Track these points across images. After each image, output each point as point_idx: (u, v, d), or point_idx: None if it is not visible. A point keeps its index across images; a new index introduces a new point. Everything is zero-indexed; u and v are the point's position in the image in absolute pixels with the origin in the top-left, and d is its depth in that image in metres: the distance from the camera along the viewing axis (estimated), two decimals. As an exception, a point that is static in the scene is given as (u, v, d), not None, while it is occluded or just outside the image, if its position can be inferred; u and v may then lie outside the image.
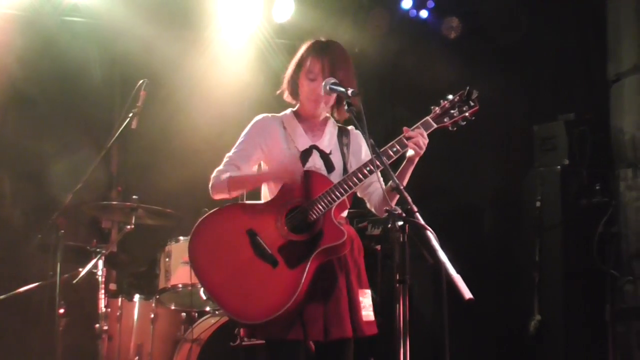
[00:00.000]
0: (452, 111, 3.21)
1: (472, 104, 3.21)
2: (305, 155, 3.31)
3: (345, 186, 3.15)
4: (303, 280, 3.04)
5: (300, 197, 3.19)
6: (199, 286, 4.93)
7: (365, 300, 3.26)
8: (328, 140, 3.38)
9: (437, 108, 3.23)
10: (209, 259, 3.18)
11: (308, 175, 3.23)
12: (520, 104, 6.47)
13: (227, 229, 3.21)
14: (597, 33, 5.70)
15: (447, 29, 6.73)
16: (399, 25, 6.78)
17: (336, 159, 3.34)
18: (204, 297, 4.91)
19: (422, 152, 3.18)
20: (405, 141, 3.16)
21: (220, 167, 3.33)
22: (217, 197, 3.33)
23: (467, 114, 3.21)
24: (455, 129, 3.24)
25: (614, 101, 5.50)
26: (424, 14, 6.75)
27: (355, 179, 3.15)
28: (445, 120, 3.21)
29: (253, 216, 3.22)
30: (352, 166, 3.34)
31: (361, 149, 3.44)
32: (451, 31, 6.71)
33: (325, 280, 3.17)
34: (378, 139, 3.00)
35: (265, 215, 3.21)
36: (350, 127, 3.47)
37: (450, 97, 3.23)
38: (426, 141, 3.18)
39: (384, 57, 6.67)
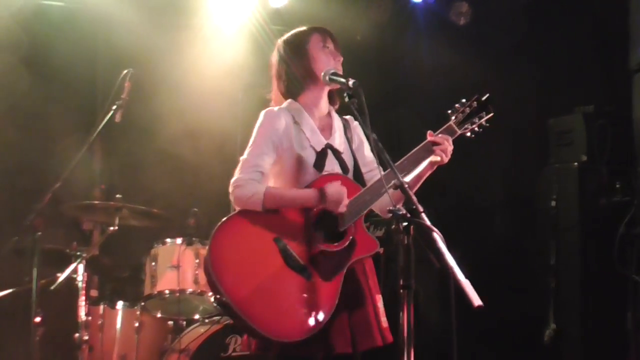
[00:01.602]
0: (471, 117, 3.29)
1: (489, 109, 3.30)
2: (322, 156, 3.28)
3: (375, 193, 3.16)
4: (339, 294, 3.05)
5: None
6: (188, 292, 4.93)
7: (380, 305, 3.27)
8: (339, 137, 3.38)
9: (458, 114, 3.28)
10: (233, 269, 3.07)
11: (335, 180, 3.20)
12: (534, 96, 6.45)
13: (253, 235, 3.13)
14: (618, 18, 5.67)
15: (456, 15, 6.72)
16: (403, 11, 6.77)
17: (347, 158, 3.35)
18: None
19: (447, 160, 3.23)
20: (432, 147, 3.20)
21: (242, 175, 3.21)
22: (241, 207, 3.19)
23: (483, 121, 3.31)
24: (473, 136, 3.32)
25: (636, 92, 5.47)
26: (431, -1, 6.75)
27: (384, 185, 3.09)
28: (467, 126, 3.29)
29: (279, 222, 3.16)
30: (359, 163, 3.36)
31: (363, 143, 3.46)
32: (460, 17, 6.70)
33: (350, 289, 3.16)
34: (381, 133, 2.99)
35: (291, 221, 3.17)
36: (349, 117, 3.48)
37: (464, 101, 3.30)
38: (452, 148, 3.24)
39: (387, 45, 6.66)
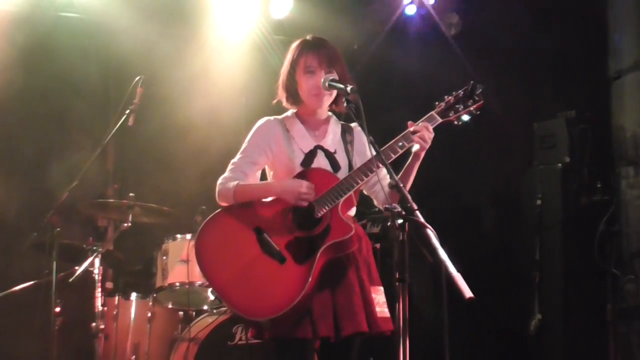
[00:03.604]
0: (456, 106, 3.27)
1: (476, 98, 3.27)
2: (310, 156, 3.30)
3: (352, 182, 3.16)
4: (311, 275, 3.05)
5: None
6: (197, 284, 4.95)
7: (379, 297, 3.25)
8: (332, 139, 3.37)
9: (441, 103, 3.27)
10: (216, 257, 3.20)
11: (314, 172, 3.25)
12: (520, 101, 6.45)
13: (235, 227, 3.23)
14: (597, 29, 5.70)
15: (447, 26, 6.72)
16: (398, 22, 6.78)
17: (341, 158, 3.34)
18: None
19: (427, 146, 3.20)
20: (411, 135, 3.18)
21: (227, 174, 3.32)
22: (222, 204, 3.31)
23: (471, 109, 3.27)
24: (460, 123, 3.29)
25: (614, 99, 5.50)
26: (423, 10, 6.74)
27: (362, 174, 3.16)
28: (450, 114, 3.26)
29: (260, 214, 3.23)
30: (357, 165, 3.33)
31: (366, 147, 3.36)
32: (451, 28, 6.70)
33: (335, 277, 3.18)
34: (378, 136, 3.00)
35: (272, 212, 3.23)
36: (353, 125, 3.46)
37: (454, 92, 3.29)
38: (431, 135, 3.20)
39: (383, 54, 6.67)
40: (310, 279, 3.05)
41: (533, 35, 6.34)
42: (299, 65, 3.32)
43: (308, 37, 3.40)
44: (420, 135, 3.17)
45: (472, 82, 3.27)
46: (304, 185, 3.16)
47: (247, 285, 3.12)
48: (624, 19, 5.45)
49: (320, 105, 3.35)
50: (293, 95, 3.37)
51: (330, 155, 3.33)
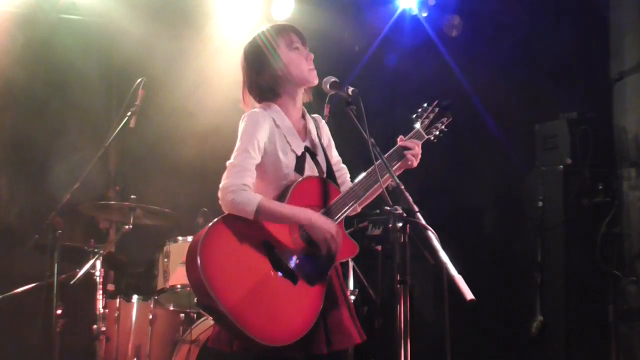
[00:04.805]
0: (435, 122, 3.25)
1: (448, 114, 3.27)
2: (302, 159, 3.09)
3: (354, 195, 3.05)
4: (323, 297, 2.93)
5: (312, 206, 3.01)
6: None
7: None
8: (314, 139, 3.18)
9: (423, 119, 3.24)
10: (223, 275, 2.78)
11: (317, 181, 3.07)
12: (522, 103, 6.45)
13: (240, 241, 2.86)
14: (599, 31, 5.69)
15: (448, 27, 6.71)
16: (399, 24, 6.77)
17: (321, 159, 3.17)
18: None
19: (416, 164, 3.16)
20: (403, 152, 3.12)
21: (233, 179, 2.89)
22: (231, 212, 2.88)
23: (444, 126, 3.27)
24: (435, 140, 3.27)
25: (616, 100, 5.49)
26: (424, 12, 6.73)
27: (364, 187, 3.05)
28: (432, 131, 3.25)
29: (266, 227, 2.93)
30: (331, 163, 3.22)
31: (331, 143, 3.30)
32: (452, 29, 6.69)
33: (326, 291, 3.00)
34: (378, 138, 2.97)
35: (278, 226, 2.96)
36: (316, 116, 3.29)
37: (425, 105, 3.26)
38: (421, 153, 3.16)
39: (384, 56, 6.66)
40: (323, 301, 2.92)
41: (535, 36, 6.34)
42: (281, 46, 3.10)
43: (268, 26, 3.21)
44: (414, 153, 3.13)
45: (449, 100, 3.26)
46: (334, 230, 2.94)
47: (261, 307, 2.81)
48: (626, 21, 5.44)
49: (316, 78, 3.12)
50: (279, 82, 3.10)
51: (315, 159, 3.15)
